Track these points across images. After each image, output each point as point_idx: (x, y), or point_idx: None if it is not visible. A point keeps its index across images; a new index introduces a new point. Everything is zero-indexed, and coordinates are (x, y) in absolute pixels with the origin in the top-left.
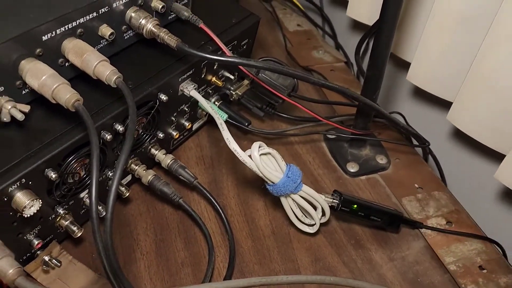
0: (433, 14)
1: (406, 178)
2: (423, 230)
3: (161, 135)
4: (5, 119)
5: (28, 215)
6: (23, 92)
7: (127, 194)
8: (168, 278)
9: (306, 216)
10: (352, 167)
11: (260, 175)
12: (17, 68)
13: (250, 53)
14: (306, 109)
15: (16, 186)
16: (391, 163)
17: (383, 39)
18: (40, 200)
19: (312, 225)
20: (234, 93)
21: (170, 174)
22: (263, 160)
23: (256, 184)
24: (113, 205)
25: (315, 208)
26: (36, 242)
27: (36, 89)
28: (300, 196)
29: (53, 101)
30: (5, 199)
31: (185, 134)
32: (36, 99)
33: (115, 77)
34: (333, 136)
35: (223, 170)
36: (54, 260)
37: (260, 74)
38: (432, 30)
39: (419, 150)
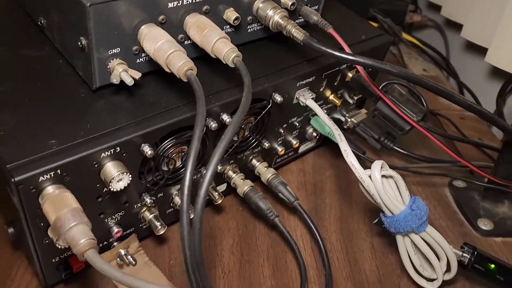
0: None
1: None
2: None
3: (267, 145)
4: (114, 80)
5: (115, 190)
6: (138, 60)
7: (220, 201)
8: None
9: (424, 268)
10: (485, 225)
11: (378, 201)
12: (136, 31)
13: (375, 79)
14: (436, 140)
15: (109, 154)
16: None
17: None
18: (130, 175)
19: (432, 280)
20: (349, 120)
21: (269, 192)
22: (384, 184)
23: (364, 221)
24: (203, 200)
25: (438, 259)
26: (116, 229)
27: (152, 54)
28: (423, 239)
29: (167, 69)
30: (96, 165)
31: (290, 154)
32: (151, 73)
33: (234, 55)
34: (463, 185)
35: (326, 200)
36: (130, 256)
37: (387, 95)
38: None
39: None
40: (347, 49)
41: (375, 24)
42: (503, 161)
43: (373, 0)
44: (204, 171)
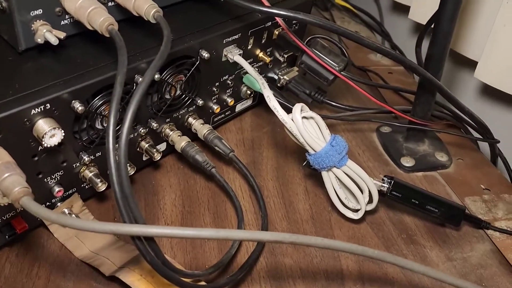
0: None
1: (471, 178)
2: (489, 232)
3: (200, 102)
4: (39, 40)
5: (49, 145)
6: (63, 22)
7: (158, 158)
8: (190, 249)
9: (350, 200)
10: (407, 162)
11: (301, 140)
12: None
13: (303, 36)
14: (359, 88)
15: (39, 111)
16: (453, 162)
17: (447, 9)
18: (63, 131)
19: (357, 210)
20: (282, 78)
21: (207, 147)
22: (305, 125)
23: (298, 169)
24: (127, 135)
25: (361, 191)
26: (57, 189)
27: (73, 13)
28: (345, 173)
29: (89, 27)
30: (27, 123)
31: (227, 113)
32: (77, 35)
33: (154, 10)
34: (388, 130)
35: (264, 153)
36: (74, 215)
37: (310, 48)
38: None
39: (484, 151)
40: (266, 3)
41: None
42: (418, 102)
43: None
44: (141, 129)
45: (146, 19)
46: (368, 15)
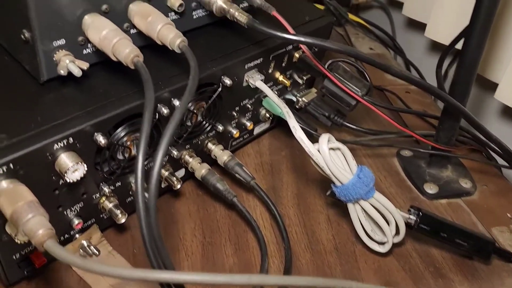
0: None
1: (496, 206)
2: None
3: (221, 128)
4: (61, 72)
5: (71, 181)
6: (85, 51)
7: (179, 186)
8: None
9: (376, 233)
10: (431, 189)
11: (328, 172)
12: (80, 22)
13: (322, 58)
14: (381, 113)
15: (62, 145)
16: (477, 189)
17: (476, 35)
18: (86, 165)
19: (383, 243)
20: (300, 99)
21: (227, 173)
22: (332, 157)
23: (320, 196)
24: (157, 178)
25: (388, 223)
26: (76, 221)
27: (97, 44)
28: (371, 205)
29: (114, 58)
30: (49, 157)
31: (245, 136)
32: (99, 63)
33: (179, 40)
34: (410, 154)
35: (284, 179)
36: (92, 247)
37: (332, 73)
38: None
39: (509, 176)
40: (290, 30)
41: (321, 7)
42: (443, 127)
43: None
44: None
45: (170, 49)
46: (381, 31)
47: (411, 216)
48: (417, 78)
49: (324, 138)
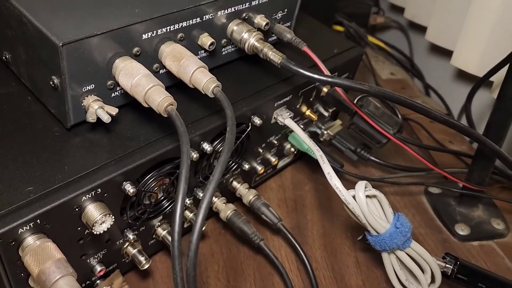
0: None
1: None
2: None
3: (247, 166)
4: (90, 119)
5: (98, 233)
6: (113, 94)
7: (203, 228)
8: None
9: (410, 282)
10: (462, 230)
11: (364, 221)
12: (111, 66)
13: (348, 91)
14: (411, 150)
15: (90, 196)
16: (510, 231)
17: None
18: (113, 217)
19: None
20: (325, 132)
21: (251, 213)
22: (368, 204)
23: (346, 236)
24: (196, 247)
25: (422, 271)
26: (99, 268)
27: (129, 90)
28: (407, 255)
29: (145, 105)
30: (76, 209)
31: (268, 171)
32: (126, 105)
33: (213, 85)
34: (438, 191)
35: (308, 216)
36: None
37: (363, 109)
38: None
39: None
40: (325, 71)
41: (341, 29)
42: (476, 167)
43: (337, 4)
44: (187, 200)
45: (203, 93)
46: (400, 53)
47: (447, 265)
48: (461, 125)
49: (361, 185)
